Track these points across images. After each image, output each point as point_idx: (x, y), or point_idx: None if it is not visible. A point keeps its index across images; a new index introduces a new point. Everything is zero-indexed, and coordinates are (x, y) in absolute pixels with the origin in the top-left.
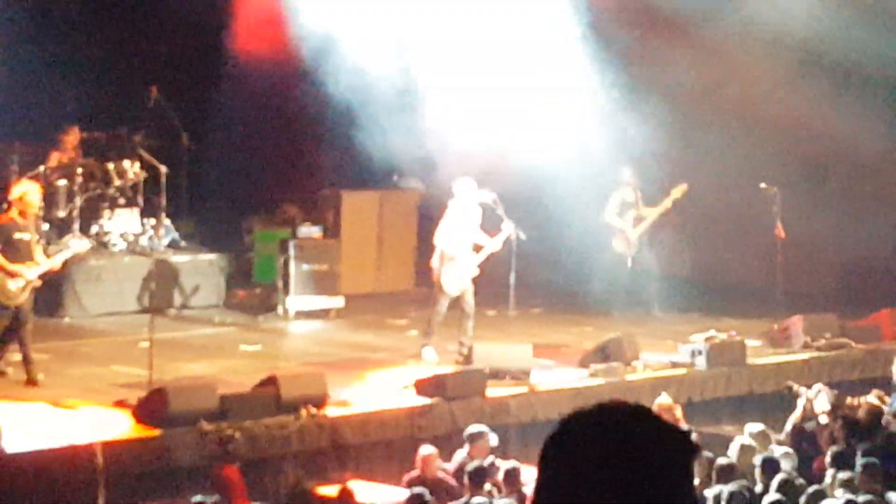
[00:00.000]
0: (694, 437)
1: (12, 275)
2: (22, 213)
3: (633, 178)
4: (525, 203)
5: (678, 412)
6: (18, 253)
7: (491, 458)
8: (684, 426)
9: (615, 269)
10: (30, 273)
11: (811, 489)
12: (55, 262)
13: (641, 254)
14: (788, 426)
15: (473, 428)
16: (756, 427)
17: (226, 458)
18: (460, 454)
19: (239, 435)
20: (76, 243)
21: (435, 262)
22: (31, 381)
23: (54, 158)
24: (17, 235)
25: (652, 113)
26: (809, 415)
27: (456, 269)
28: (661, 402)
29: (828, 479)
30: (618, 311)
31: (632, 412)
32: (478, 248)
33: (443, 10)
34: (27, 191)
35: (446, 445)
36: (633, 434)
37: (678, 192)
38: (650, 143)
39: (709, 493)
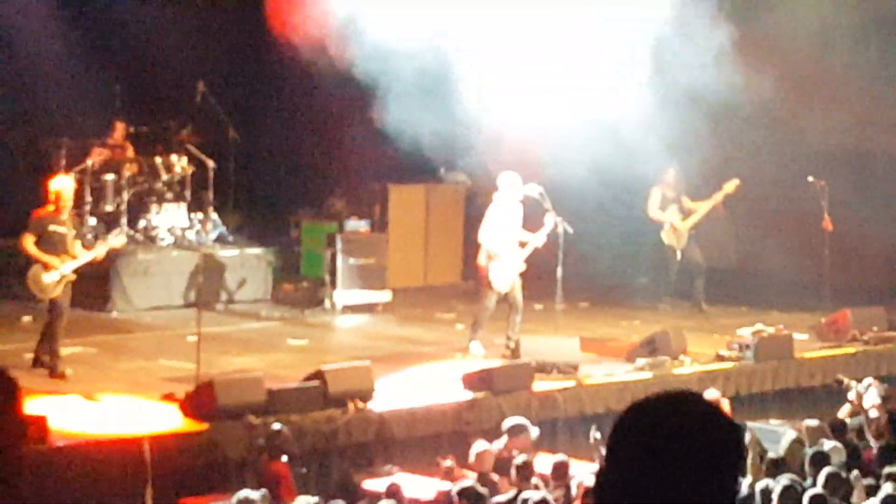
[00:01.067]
0: (747, 433)
1: (46, 266)
2: (57, 207)
3: (676, 178)
4: (572, 196)
5: (726, 406)
6: (53, 245)
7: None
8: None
9: (665, 260)
10: (64, 267)
11: (865, 482)
12: (91, 256)
13: (689, 247)
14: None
15: (512, 420)
16: (813, 422)
17: (273, 452)
18: (496, 447)
19: (286, 430)
20: (113, 238)
21: (481, 259)
22: (56, 375)
23: (100, 153)
24: (51, 228)
25: (698, 106)
26: (858, 409)
27: (502, 266)
28: (710, 396)
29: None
30: (667, 303)
31: (692, 403)
32: (522, 244)
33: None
34: (62, 185)
35: (494, 440)
36: (690, 425)
37: (730, 186)
38: (697, 136)
39: (758, 487)
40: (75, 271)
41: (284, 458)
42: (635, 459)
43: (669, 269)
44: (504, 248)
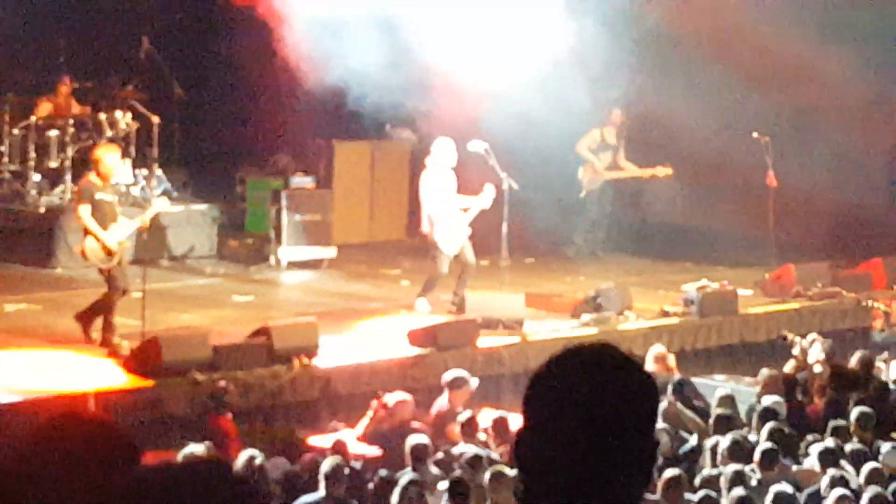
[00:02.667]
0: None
1: (100, 240)
2: (101, 175)
3: (621, 119)
4: (518, 151)
5: (671, 361)
6: (104, 214)
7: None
8: (676, 375)
9: (583, 205)
10: (116, 239)
11: (809, 437)
12: (139, 223)
13: (603, 196)
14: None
15: (452, 373)
16: (764, 373)
17: (219, 408)
18: (441, 401)
19: (232, 385)
20: (159, 202)
21: (425, 226)
22: (108, 346)
23: (44, 108)
24: (98, 196)
25: (641, 58)
26: (803, 364)
27: (447, 230)
28: (656, 352)
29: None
30: (580, 246)
31: (604, 354)
32: (464, 209)
33: None
34: (103, 155)
35: (438, 395)
36: (603, 377)
37: (662, 171)
38: (642, 89)
39: (707, 444)
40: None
41: (229, 415)
42: (551, 414)
43: (583, 213)
44: (445, 213)
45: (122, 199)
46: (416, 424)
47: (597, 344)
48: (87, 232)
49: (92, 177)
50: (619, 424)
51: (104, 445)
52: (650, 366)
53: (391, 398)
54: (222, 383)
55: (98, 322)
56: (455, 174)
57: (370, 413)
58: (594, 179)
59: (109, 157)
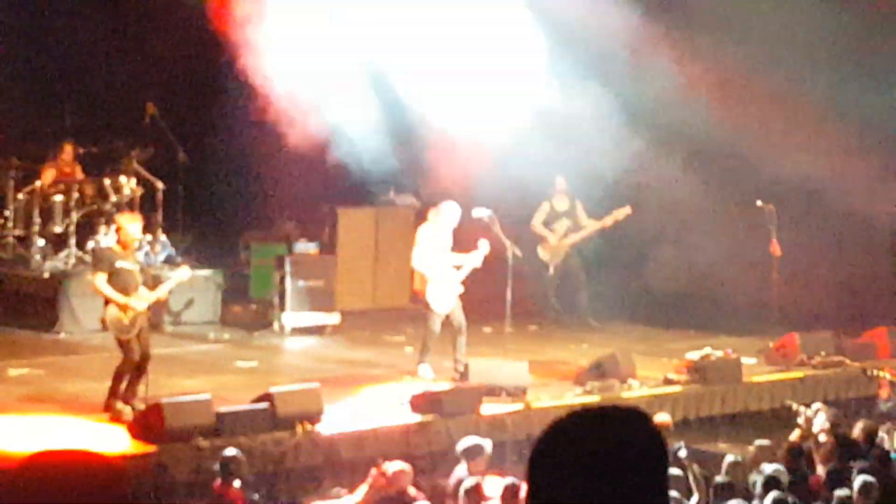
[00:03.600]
0: (683, 452)
1: (123, 308)
2: (121, 243)
3: (565, 188)
4: (522, 218)
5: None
6: (123, 282)
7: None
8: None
9: (539, 276)
10: (139, 304)
11: None
12: (162, 293)
13: (569, 262)
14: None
15: (468, 441)
16: (762, 443)
17: (226, 477)
18: (460, 470)
19: (240, 454)
20: (179, 273)
21: (417, 283)
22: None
23: (49, 174)
24: (119, 264)
25: (646, 130)
26: (807, 434)
27: (439, 289)
28: (659, 420)
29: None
30: (548, 318)
31: (611, 416)
32: (457, 266)
33: (425, 21)
34: (124, 223)
35: (442, 463)
36: (610, 438)
37: (621, 213)
38: (646, 159)
39: None
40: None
41: (237, 483)
42: (557, 477)
43: (544, 285)
44: (437, 270)
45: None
46: (413, 493)
47: (598, 405)
48: (107, 301)
49: (113, 244)
50: (627, 485)
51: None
52: None
53: (390, 466)
54: (232, 452)
55: (121, 388)
56: (453, 235)
57: (369, 481)
58: (556, 252)
59: (132, 227)
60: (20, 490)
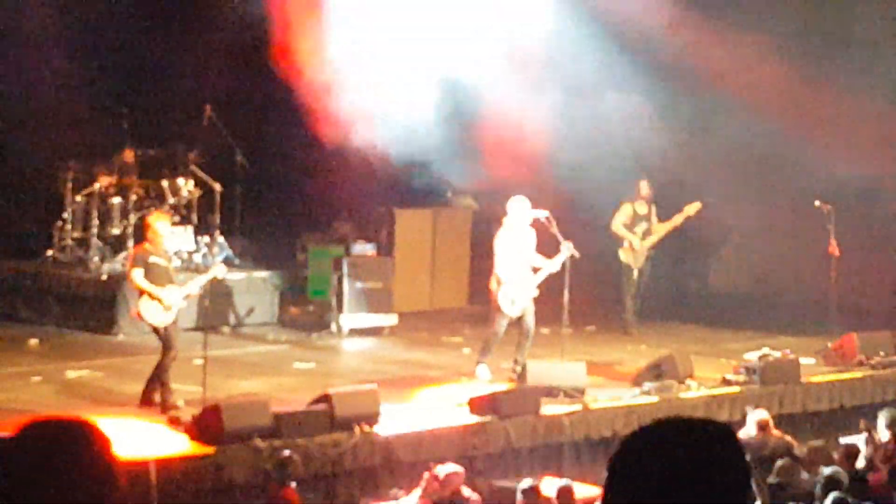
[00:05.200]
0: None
1: (156, 298)
2: (150, 241)
3: (649, 191)
4: (576, 219)
5: (770, 423)
6: (157, 278)
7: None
8: (788, 439)
9: (620, 279)
10: (172, 297)
11: None
12: (197, 286)
13: (647, 266)
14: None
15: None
16: (815, 443)
17: (283, 478)
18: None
19: (297, 457)
20: (216, 268)
21: (493, 284)
22: (168, 407)
23: (106, 177)
24: (152, 260)
25: (709, 133)
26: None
27: (514, 291)
28: (759, 418)
29: None
30: (629, 324)
31: (699, 428)
32: (535, 270)
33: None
34: (153, 222)
35: (500, 463)
36: (696, 450)
37: (692, 209)
38: (710, 162)
39: None
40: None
41: (293, 484)
42: (636, 486)
43: (625, 289)
44: (514, 273)
45: (184, 265)
46: (467, 493)
47: (688, 420)
48: (141, 293)
49: (145, 244)
50: (707, 501)
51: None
52: (752, 432)
53: (443, 469)
54: (287, 453)
55: (158, 388)
56: (534, 231)
57: (422, 484)
58: (637, 257)
59: (160, 225)
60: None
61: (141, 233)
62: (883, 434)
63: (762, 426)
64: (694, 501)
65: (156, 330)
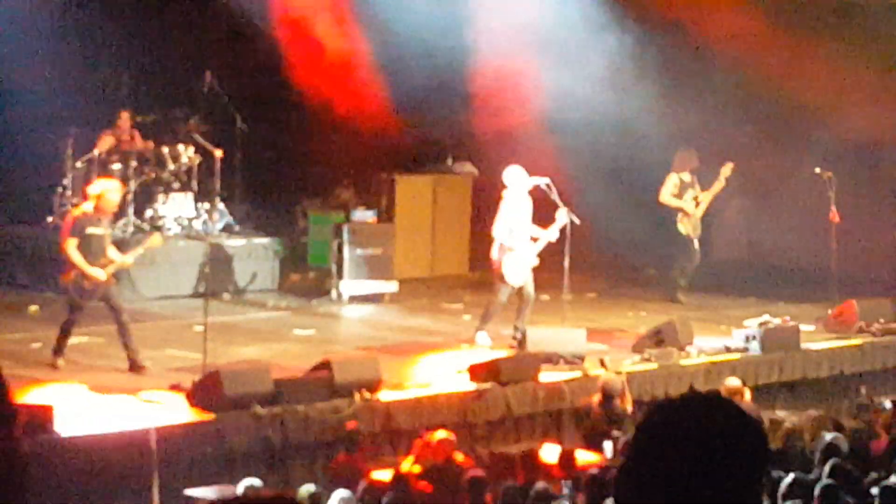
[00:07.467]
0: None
1: (87, 276)
2: (98, 209)
3: (695, 159)
4: (579, 186)
5: (747, 395)
6: (91, 248)
7: None
8: (753, 407)
9: (682, 251)
10: (102, 274)
11: (873, 475)
12: (129, 259)
13: (703, 238)
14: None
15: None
16: (815, 412)
17: (350, 448)
18: None
19: (362, 427)
20: (152, 238)
21: (494, 253)
22: (136, 367)
23: (106, 141)
24: (90, 230)
25: (705, 96)
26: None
27: (516, 260)
28: (730, 385)
29: None
30: (683, 294)
31: (722, 407)
32: (534, 239)
33: None
34: (107, 188)
35: (499, 430)
36: (719, 428)
37: (727, 170)
38: (710, 128)
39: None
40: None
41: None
42: (660, 458)
43: (688, 260)
44: (517, 242)
45: (184, 231)
46: (461, 459)
47: (713, 395)
48: (72, 265)
49: (86, 209)
50: (726, 476)
51: None
52: None
53: (433, 437)
54: (352, 424)
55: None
56: (531, 199)
57: (414, 451)
58: (696, 224)
59: (112, 193)
60: None
61: (143, 199)
62: (886, 402)
63: (732, 393)
64: (713, 477)
65: (70, 302)
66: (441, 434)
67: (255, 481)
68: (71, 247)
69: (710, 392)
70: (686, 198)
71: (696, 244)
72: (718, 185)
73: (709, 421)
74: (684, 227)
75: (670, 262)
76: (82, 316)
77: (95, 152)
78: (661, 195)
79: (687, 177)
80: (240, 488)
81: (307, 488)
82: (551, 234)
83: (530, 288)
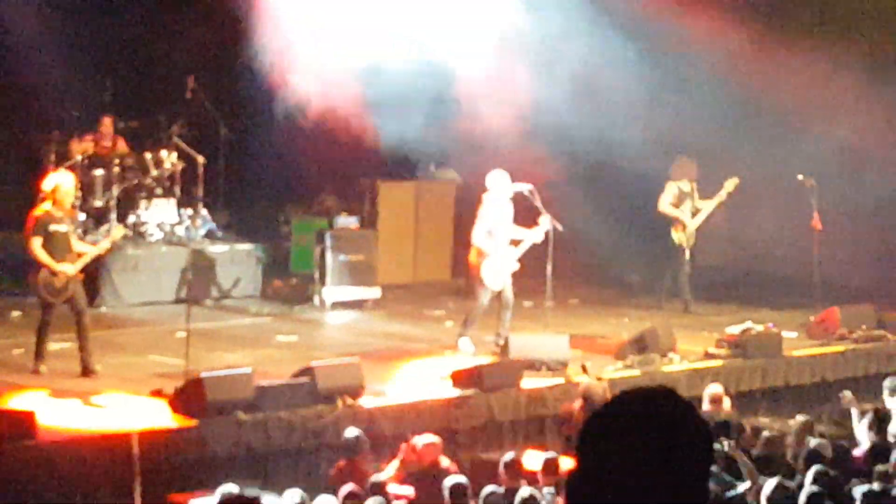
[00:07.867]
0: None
1: (55, 273)
2: (56, 204)
3: (693, 168)
4: (562, 193)
5: (727, 403)
6: (56, 245)
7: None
8: (732, 415)
9: (675, 260)
10: (71, 269)
11: (855, 481)
12: (95, 252)
13: (696, 246)
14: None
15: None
16: (801, 418)
17: (354, 454)
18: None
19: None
20: (114, 231)
21: (473, 258)
22: (88, 372)
23: (87, 147)
24: (52, 227)
25: (692, 103)
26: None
27: (495, 264)
28: (712, 392)
29: None
30: (677, 301)
31: (665, 401)
32: (515, 242)
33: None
34: (61, 181)
35: (482, 437)
36: (661, 423)
37: (731, 184)
38: (691, 134)
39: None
40: (81, 270)
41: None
42: (606, 457)
43: (679, 271)
44: (496, 247)
45: (167, 237)
46: (446, 464)
47: (653, 388)
48: (39, 264)
49: (46, 207)
50: (673, 471)
51: None
52: (705, 406)
53: (420, 440)
54: (356, 432)
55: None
56: (513, 205)
57: (400, 456)
58: (690, 234)
59: (65, 184)
60: None
61: (126, 205)
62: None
63: (714, 400)
64: (659, 471)
65: (42, 302)
66: (428, 438)
67: (233, 487)
68: (36, 246)
69: (652, 387)
70: (684, 208)
71: (688, 254)
72: (720, 196)
73: (652, 415)
74: (678, 236)
75: (658, 270)
76: (62, 321)
77: (78, 157)
78: (660, 204)
79: (686, 186)
80: (217, 494)
81: (291, 493)
82: (534, 237)
83: (509, 292)
